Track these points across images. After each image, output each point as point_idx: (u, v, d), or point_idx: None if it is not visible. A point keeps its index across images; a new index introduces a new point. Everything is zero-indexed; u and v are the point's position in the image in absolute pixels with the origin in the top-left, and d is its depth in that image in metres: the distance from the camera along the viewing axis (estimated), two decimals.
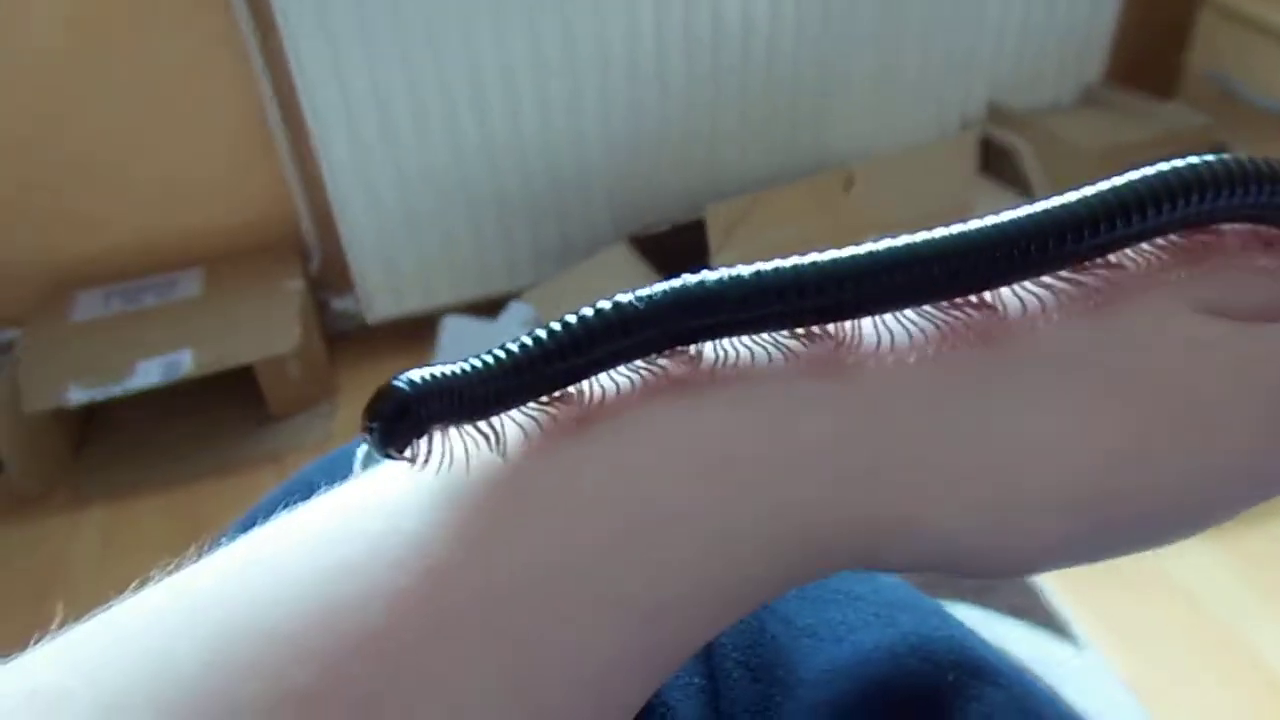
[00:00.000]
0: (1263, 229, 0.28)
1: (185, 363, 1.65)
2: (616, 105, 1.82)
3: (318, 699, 0.23)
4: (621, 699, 0.26)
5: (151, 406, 1.76)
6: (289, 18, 1.58)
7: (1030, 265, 0.26)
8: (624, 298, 0.26)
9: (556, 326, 0.25)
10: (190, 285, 1.81)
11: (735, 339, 0.27)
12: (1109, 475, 0.26)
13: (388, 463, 0.25)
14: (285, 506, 0.28)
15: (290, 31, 1.59)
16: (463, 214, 1.86)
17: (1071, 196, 0.27)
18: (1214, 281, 0.28)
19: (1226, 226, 0.28)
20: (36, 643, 0.26)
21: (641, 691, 0.27)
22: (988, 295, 0.27)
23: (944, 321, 0.27)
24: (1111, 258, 0.27)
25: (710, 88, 1.86)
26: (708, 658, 0.36)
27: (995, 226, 0.26)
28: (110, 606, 0.26)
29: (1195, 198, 0.26)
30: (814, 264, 0.26)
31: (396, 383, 0.24)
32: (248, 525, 0.28)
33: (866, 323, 0.27)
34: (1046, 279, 0.27)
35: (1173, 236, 0.28)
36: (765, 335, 0.27)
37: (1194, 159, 0.27)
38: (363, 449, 0.42)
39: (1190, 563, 1.36)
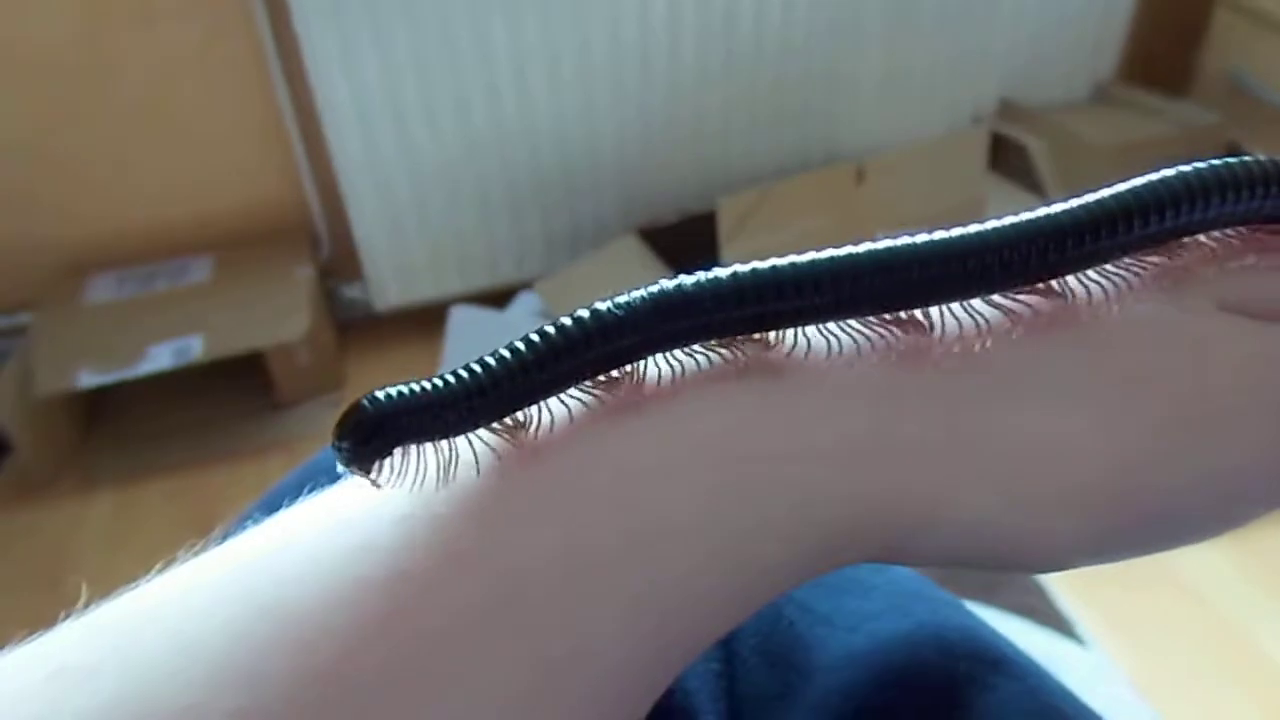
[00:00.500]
0: None
1: (195, 348, 1.65)
2: (628, 96, 1.82)
3: (339, 678, 0.23)
4: (642, 689, 0.26)
5: (161, 391, 1.76)
6: (302, 4, 1.58)
7: (1054, 265, 0.26)
8: (602, 305, 0.25)
9: (522, 345, 0.25)
10: (201, 271, 1.82)
11: (759, 333, 0.27)
12: (1131, 474, 0.26)
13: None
14: (309, 489, 0.28)
15: (303, 18, 1.59)
16: (473, 203, 1.86)
17: (1095, 195, 0.27)
18: (1233, 280, 0.28)
19: (1245, 227, 0.28)
20: (58, 622, 0.26)
21: (662, 681, 0.27)
22: (997, 297, 0.27)
23: (963, 320, 0.27)
24: (1135, 257, 0.27)
25: (722, 79, 1.86)
26: (725, 643, 0.37)
27: (1027, 222, 0.26)
28: (134, 586, 0.26)
29: (1215, 200, 0.26)
30: (831, 259, 0.26)
31: (365, 401, 0.24)
32: (272, 506, 0.28)
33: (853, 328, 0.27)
34: (1070, 279, 0.27)
35: (1202, 237, 0.28)
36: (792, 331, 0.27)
37: (1213, 162, 0.27)
38: None
39: (1197, 561, 1.36)
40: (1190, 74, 2.05)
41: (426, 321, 1.88)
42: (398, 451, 0.25)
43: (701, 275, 0.26)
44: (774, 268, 0.26)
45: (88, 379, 1.61)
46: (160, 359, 1.63)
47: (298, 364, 1.76)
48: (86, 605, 0.26)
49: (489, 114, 1.77)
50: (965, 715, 0.34)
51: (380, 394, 0.24)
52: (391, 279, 1.90)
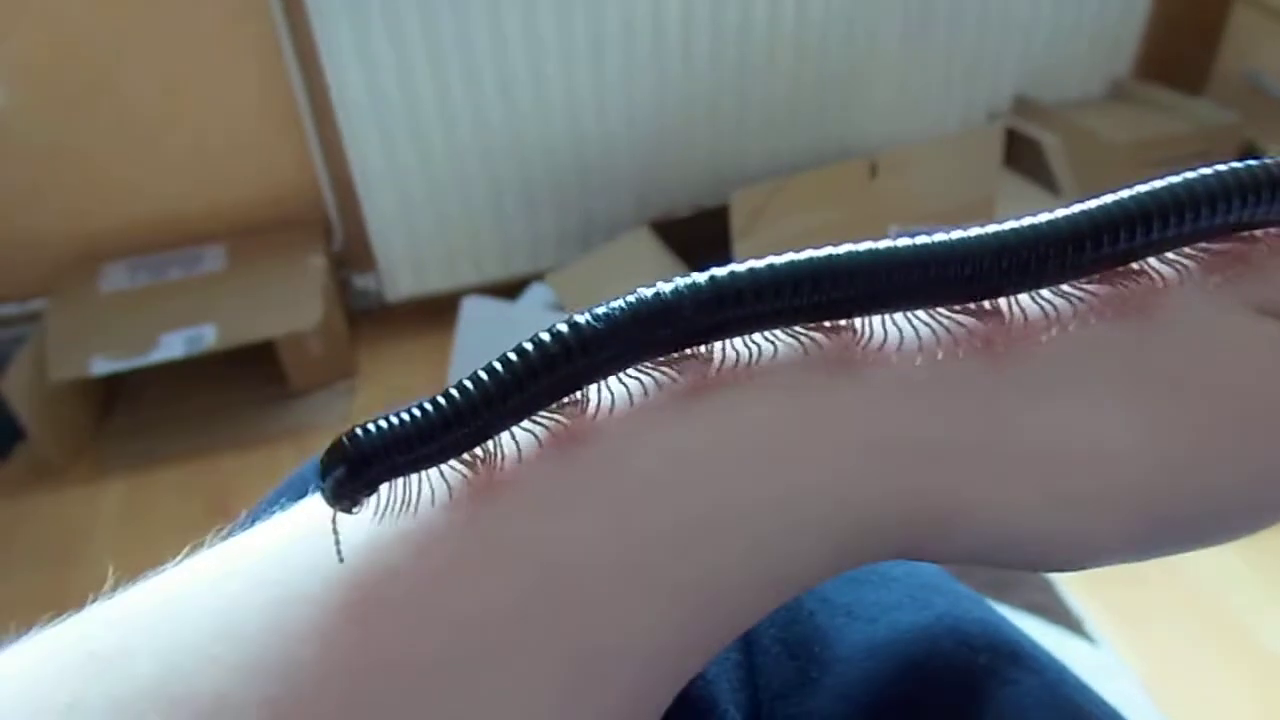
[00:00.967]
0: None
1: (208, 336, 1.66)
2: (642, 89, 1.82)
3: (373, 668, 0.23)
4: (672, 679, 0.27)
5: (173, 379, 1.77)
6: None
7: (1081, 265, 0.26)
8: (581, 318, 0.25)
9: (486, 373, 0.24)
10: (214, 260, 1.82)
11: (787, 331, 0.26)
12: (1172, 475, 0.26)
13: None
14: None
15: (318, 7, 1.60)
16: (486, 195, 1.86)
17: (1124, 194, 0.26)
18: (1265, 282, 0.28)
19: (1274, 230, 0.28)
20: (84, 605, 0.26)
21: (691, 670, 0.27)
22: (1036, 295, 0.27)
23: (958, 325, 0.27)
24: (1162, 258, 0.27)
25: (736, 73, 1.86)
26: (745, 633, 0.37)
27: (1046, 224, 0.26)
28: (162, 570, 0.26)
29: (1244, 200, 0.26)
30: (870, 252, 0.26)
31: (346, 440, 0.24)
32: (300, 491, 0.28)
33: (919, 319, 0.27)
34: (1099, 279, 0.27)
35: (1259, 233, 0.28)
36: (801, 328, 0.26)
37: (1244, 163, 0.27)
38: None
39: (1208, 560, 1.36)
40: (1207, 72, 2.04)
41: (438, 312, 1.89)
42: (384, 486, 0.24)
43: (764, 260, 0.26)
44: (837, 254, 0.26)
45: (101, 366, 1.61)
46: (173, 347, 1.64)
47: (309, 353, 1.77)
48: (114, 589, 0.26)
49: (503, 106, 1.77)
50: (986, 708, 0.34)
51: (369, 427, 0.24)
52: (404, 269, 1.90)
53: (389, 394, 1.80)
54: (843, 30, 1.87)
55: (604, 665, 0.25)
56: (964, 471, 0.26)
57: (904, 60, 1.95)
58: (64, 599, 0.26)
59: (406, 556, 0.24)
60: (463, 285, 1.91)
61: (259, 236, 1.87)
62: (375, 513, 0.25)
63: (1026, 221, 0.26)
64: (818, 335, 0.26)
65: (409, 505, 0.25)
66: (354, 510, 0.24)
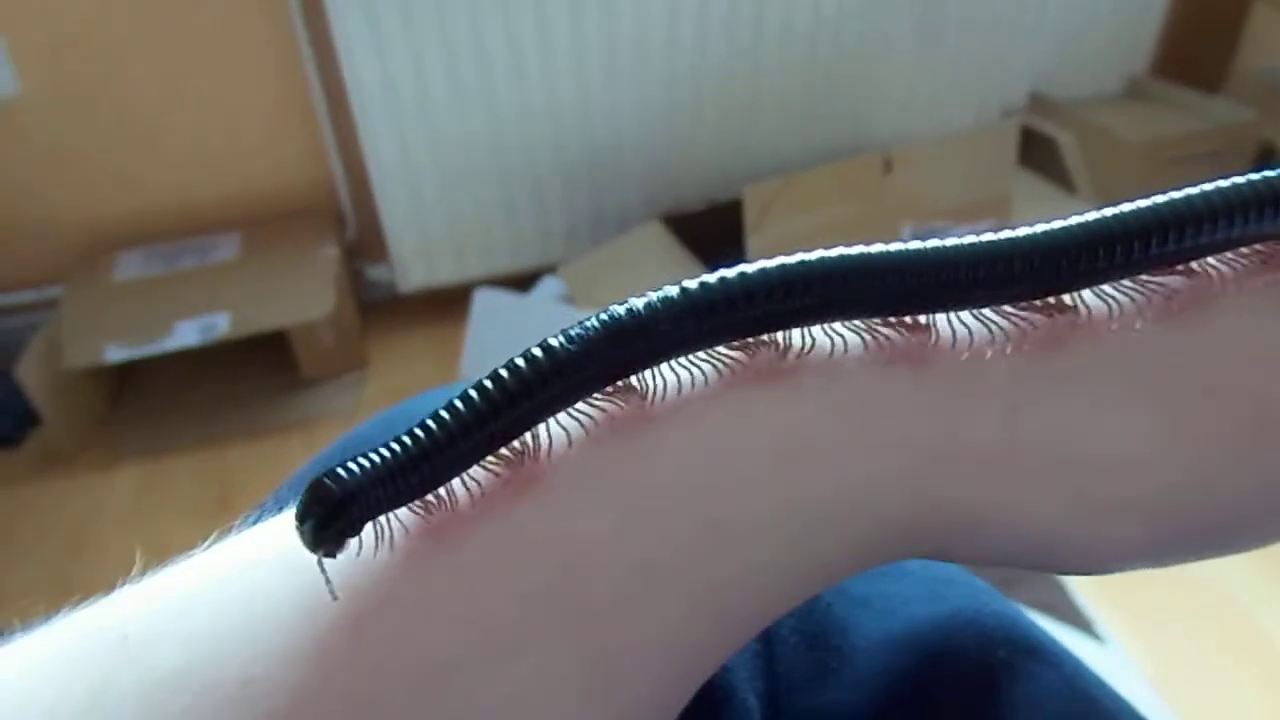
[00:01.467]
0: None
1: (221, 325, 1.66)
2: (654, 83, 1.82)
3: (399, 658, 0.23)
4: (696, 674, 0.27)
5: (186, 367, 1.78)
6: None
7: (1116, 268, 0.26)
8: (555, 340, 0.24)
9: (460, 404, 0.24)
10: (228, 249, 1.83)
11: (817, 328, 0.26)
12: (1199, 482, 0.26)
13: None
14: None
15: (333, 1, 1.60)
16: (497, 187, 1.86)
17: (1160, 199, 0.26)
18: None
19: None
20: (112, 590, 0.26)
21: (710, 668, 0.27)
22: (1067, 298, 0.26)
23: (1022, 321, 0.26)
24: (1196, 265, 0.27)
25: (750, 67, 1.85)
26: None
27: (1081, 226, 0.26)
28: (192, 555, 0.26)
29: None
30: (885, 254, 0.26)
31: (328, 481, 0.23)
32: None
33: (944, 319, 0.26)
34: (1132, 283, 0.26)
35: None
36: (841, 325, 0.26)
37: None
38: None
39: (1219, 561, 1.35)
40: (1225, 71, 2.03)
41: (449, 303, 1.89)
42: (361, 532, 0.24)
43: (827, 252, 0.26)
44: (867, 253, 0.26)
45: (115, 353, 1.62)
46: (187, 335, 1.65)
47: (321, 343, 1.77)
48: (142, 574, 0.26)
49: (516, 99, 1.77)
50: (1003, 701, 0.34)
51: (348, 468, 0.23)
52: (416, 260, 1.90)
53: (399, 385, 1.80)
54: (857, 24, 1.86)
55: (626, 664, 0.25)
56: (990, 478, 0.26)
57: (918, 57, 1.94)
58: (76, 584, 0.26)
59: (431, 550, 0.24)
60: (474, 277, 1.91)
61: (272, 226, 1.88)
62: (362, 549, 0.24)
63: (1091, 216, 0.26)
64: (891, 331, 0.26)
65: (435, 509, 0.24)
66: (336, 554, 0.24)
